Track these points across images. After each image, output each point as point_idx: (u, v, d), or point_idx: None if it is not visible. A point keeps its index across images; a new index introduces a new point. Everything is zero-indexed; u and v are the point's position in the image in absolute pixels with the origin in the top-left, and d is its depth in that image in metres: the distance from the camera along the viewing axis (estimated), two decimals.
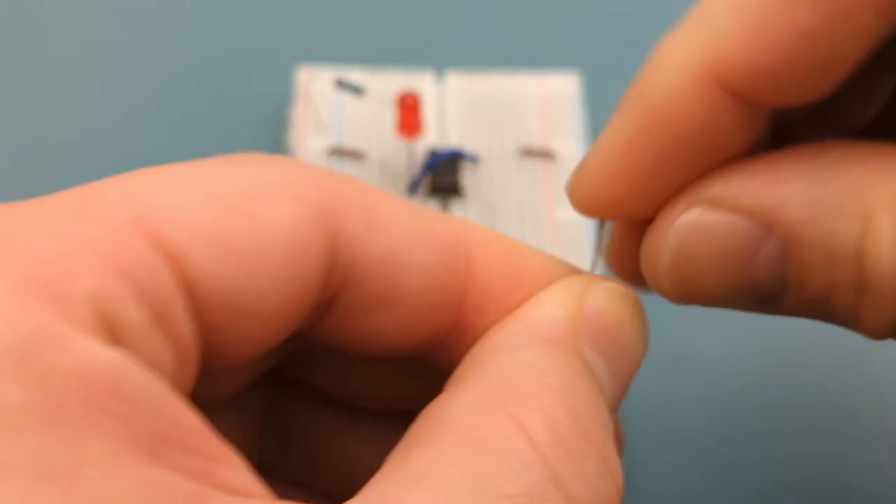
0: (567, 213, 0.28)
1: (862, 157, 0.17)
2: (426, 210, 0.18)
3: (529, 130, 0.29)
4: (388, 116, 0.29)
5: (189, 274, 0.15)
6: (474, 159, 0.29)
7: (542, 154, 0.29)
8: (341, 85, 0.30)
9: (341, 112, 0.30)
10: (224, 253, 0.15)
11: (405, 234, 0.17)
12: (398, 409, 0.19)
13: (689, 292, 0.18)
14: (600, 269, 0.20)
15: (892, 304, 0.17)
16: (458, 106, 0.30)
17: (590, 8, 0.34)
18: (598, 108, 0.30)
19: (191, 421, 0.14)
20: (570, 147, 0.29)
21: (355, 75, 0.30)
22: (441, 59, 0.31)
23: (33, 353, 0.13)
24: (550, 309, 0.17)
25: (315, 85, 0.30)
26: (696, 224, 0.18)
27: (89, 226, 0.14)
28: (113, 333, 0.14)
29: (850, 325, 0.18)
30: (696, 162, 0.18)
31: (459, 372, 0.17)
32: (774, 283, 0.18)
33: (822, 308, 0.18)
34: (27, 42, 0.34)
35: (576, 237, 0.28)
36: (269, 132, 0.30)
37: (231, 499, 0.14)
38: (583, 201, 0.19)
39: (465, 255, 0.17)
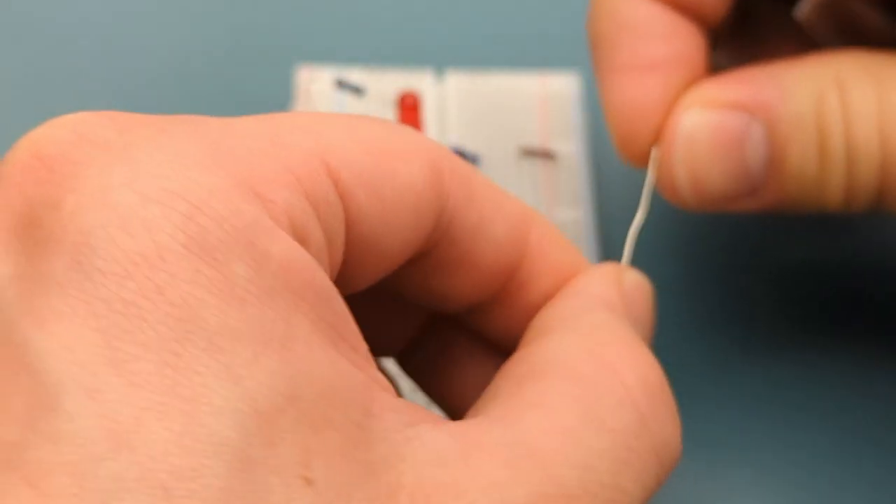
0: (567, 213, 0.28)
1: (810, 57, 0.22)
2: (502, 190, 0.20)
3: (529, 130, 0.29)
4: (389, 116, 0.29)
5: (350, 212, 0.17)
6: (474, 159, 0.29)
7: (542, 154, 0.29)
8: (341, 85, 0.30)
9: (341, 112, 0.30)
10: (374, 199, 0.17)
11: (490, 208, 0.19)
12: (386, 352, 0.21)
13: (700, 191, 0.23)
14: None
15: (844, 165, 0.22)
16: (458, 106, 0.30)
17: None
18: (597, 108, 0.30)
19: (352, 324, 0.16)
20: (570, 147, 0.29)
21: (355, 75, 0.30)
22: (441, 59, 0.31)
23: (254, 239, 0.15)
24: (603, 286, 0.20)
25: (315, 85, 0.30)
26: (696, 123, 0.22)
27: (284, 152, 0.16)
28: (300, 244, 0.16)
29: (818, 201, 0.22)
30: (665, 56, 0.22)
31: (539, 329, 0.19)
32: (762, 167, 0.22)
33: (798, 185, 0.22)
34: (26, 42, 0.34)
35: (576, 237, 0.28)
36: None
37: (387, 395, 0.16)
38: (622, 136, 0.23)
39: (526, 235, 0.20)
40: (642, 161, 0.23)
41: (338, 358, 0.15)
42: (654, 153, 0.23)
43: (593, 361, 0.18)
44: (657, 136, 0.23)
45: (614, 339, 0.18)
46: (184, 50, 0.33)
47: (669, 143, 0.23)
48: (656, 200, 0.29)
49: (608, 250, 0.28)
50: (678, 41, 0.23)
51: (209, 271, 0.14)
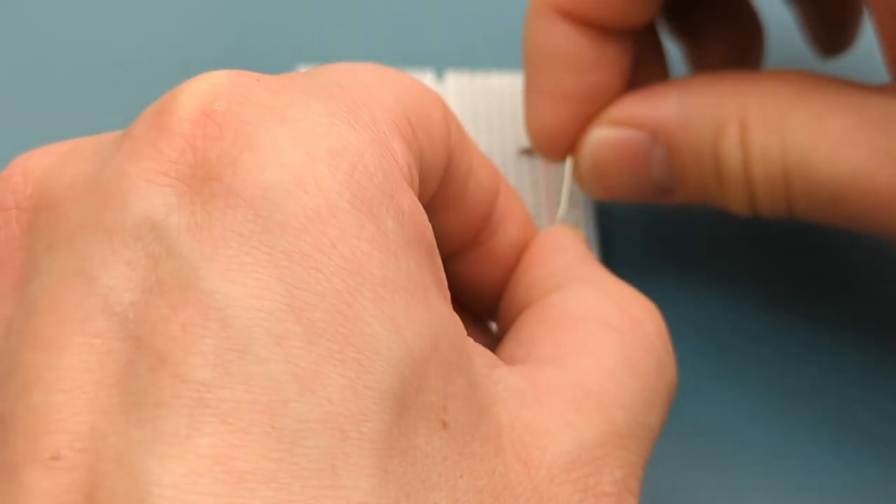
0: (567, 214, 0.28)
1: (722, 81, 0.24)
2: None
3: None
4: None
5: (420, 156, 0.18)
6: None
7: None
8: None
9: None
10: (428, 142, 0.19)
11: (477, 157, 0.21)
12: None
13: (608, 190, 0.25)
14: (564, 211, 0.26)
15: (744, 191, 0.23)
16: (458, 106, 0.30)
17: None
18: None
19: (443, 272, 0.18)
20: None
21: None
22: (441, 59, 0.31)
23: (393, 194, 0.16)
24: (578, 243, 0.22)
25: None
26: (602, 138, 0.24)
27: (384, 106, 0.18)
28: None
29: (722, 207, 0.24)
30: (585, 89, 0.24)
31: (549, 283, 0.21)
32: (666, 179, 0.24)
33: (701, 196, 0.24)
34: (25, 43, 0.34)
35: None
36: None
37: (470, 340, 0.17)
38: (540, 145, 0.25)
39: (498, 184, 0.22)
40: (560, 160, 0.26)
41: (452, 313, 0.17)
42: (568, 161, 0.26)
43: (620, 313, 0.19)
44: (570, 149, 0.25)
45: (627, 294, 0.20)
46: (183, 50, 0.33)
47: (579, 155, 0.25)
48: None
49: (608, 250, 0.28)
50: (597, 73, 0.24)
51: (370, 226, 0.16)
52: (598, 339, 0.19)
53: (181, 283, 0.15)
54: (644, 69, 0.26)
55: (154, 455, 0.14)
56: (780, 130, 0.23)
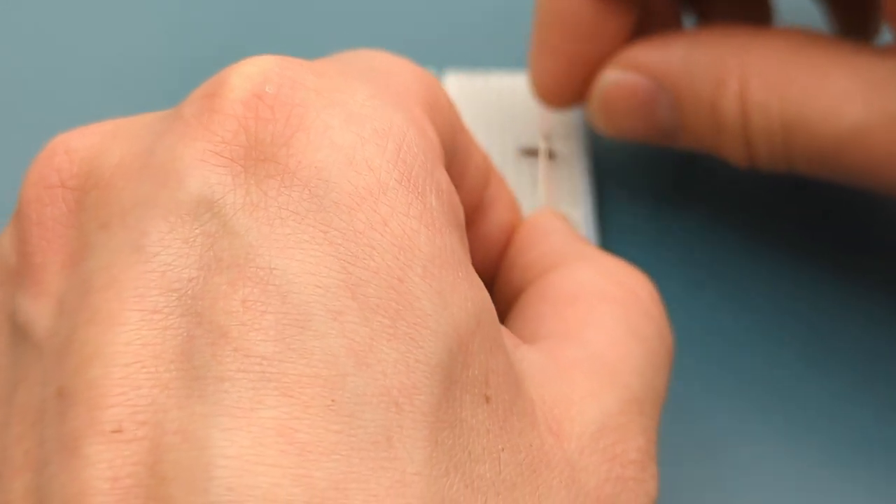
0: (567, 213, 0.28)
1: (727, 36, 0.25)
2: None
3: (529, 130, 0.29)
4: None
5: (440, 139, 0.19)
6: None
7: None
8: None
9: None
10: (438, 124, 0.19)
11: (471, 139, 0.21)
12: None
13: (616, 129, 0.26)
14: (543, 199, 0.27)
15: (742, 143, 0.24)
16: (458, 106, 0.30)
17: None
18: None
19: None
20: (570, 147, 0.29)
21: None
22: (441, 59, 0.31)
23: (433, 172, 0.17)
24: (566, 225, 0.23)
25: None
26: (612, 81, 0.26)
27: (409, 90, 0.18)
28: None
29: (724, 157, 0.25)
30: (592, 45, 0.26)
31: (546, 262, 0.21)
32: (670, 124, 0.25)
33: (702, 144, 0.25)
34: (23, 44, 0.34)
35: None
36: None
37: (503, 327, 0.18)
38: (542, 96, 0.27)
39: (490, 167, 0.22)
40: (561, 108, 0.28)
41: (481, 282, 0.17)
42: (541, 156, 0.28)
43: (617, 285, 0.20)
44: (570, 101, 0.27)
45: (619, 266, 0.21)
46: (183, 50, 0.33)
47: (591, 94, 0.26)
48: (658, 200, 0.30)
49: (608, 250, 0.28)
50: (600, 37, 0.26)
51: (417, 203, 0.16)
52: (602, 311, 0.19)
53: (239, 260, 0.15)
54: (658, 17, 0.28)
55: (218, 427, 0.14)
56: (780, 87, 0.24)
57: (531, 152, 0.29)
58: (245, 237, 0.15)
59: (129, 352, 0.15)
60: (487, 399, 0.16)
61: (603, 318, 0.19)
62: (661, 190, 0.30)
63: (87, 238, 0.16)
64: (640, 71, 0.26)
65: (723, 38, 0.25)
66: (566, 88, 0.27)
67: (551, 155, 0.29)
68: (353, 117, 0.16)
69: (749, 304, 0.27)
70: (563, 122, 0.29)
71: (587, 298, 0.20)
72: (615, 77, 0.26)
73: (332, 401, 0.14)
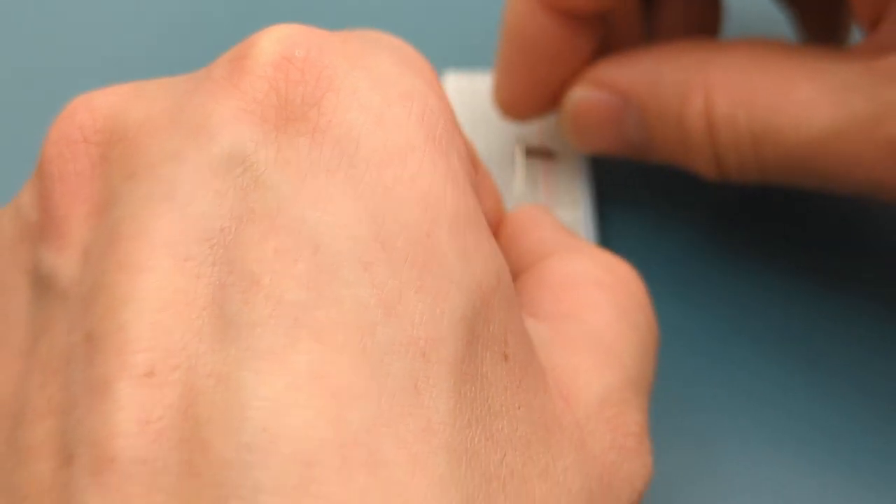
0: (567, 214, 0.28)
1: (691, 51, 0.25)
2: None
3: (529, 130, 0.29)
4: None
5: None
6: None
7: (542, 154, 0.29)
8: None
9: None
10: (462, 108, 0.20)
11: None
12: None
13: (588, 145, 0.27)
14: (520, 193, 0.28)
15: (710, 156, 0.25)
16: (458, 106, 0.30)
17: None
18: None
19: None
20: (570, 147, 0.29)
21: None
22: (441, 59, 0.31)
23: (454, 132, 0.17)
24: (553, 218, 0.23)
25: None
26: (580, 98, 0.26)
27: (425, 70, 0.19)
28: None
29: (694, 171, 0.26)
30: (556, 65, 0.26)
31: (540, 250, 0.22)
32: (641, 139, 0.26)
33: (673, 158, 0.26)
34: (23, 46, 0.34)
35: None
36: None
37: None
38: (503, 110, 0.27)
39: (476, 158, 0.22)
40: (522, 121, 0.28)
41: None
42: (518, 154, 0.29)
43: (609, 273, 0.21)
44: (532, 115, 0.28)
45: (610, 257, 0.21)
46: (183, 51, 0.33)
47: (562, 111, 0.27)
48: (657, 200, 0.30)
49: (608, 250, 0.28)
50: (567, 56, 0.26)
51: (442, 163, 0.16)
52: (596, 297, 0.20)
53: (271, 212, 0.15)
54: (624, 32, 0.28)
55: (251, 370, 0.14)
56: (745, 99, 0.24)
57: (531, 152, 0.29)
58: (277, 191, 0.15)
59: (161, 297, 0.15)
60: (506, 357, 0.16)
61: (599, 302, 0.20)
62: (660, 190, 0.30)
63: (112, 189, 0.16)
64: (606, 88, 0.26)
65: (687, 53, 0.25)
66: (529, 104, 0.27)
67: (551, 155, 0.29)
68: (379, 81, 0.17)
69: (749, 303, 0.27)
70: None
71: (583, 285, 0.20)
72: (582, 95, 0.26)
73: (363, 347, 0.14)
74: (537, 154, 0.29)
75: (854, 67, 0.23)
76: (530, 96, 0.27)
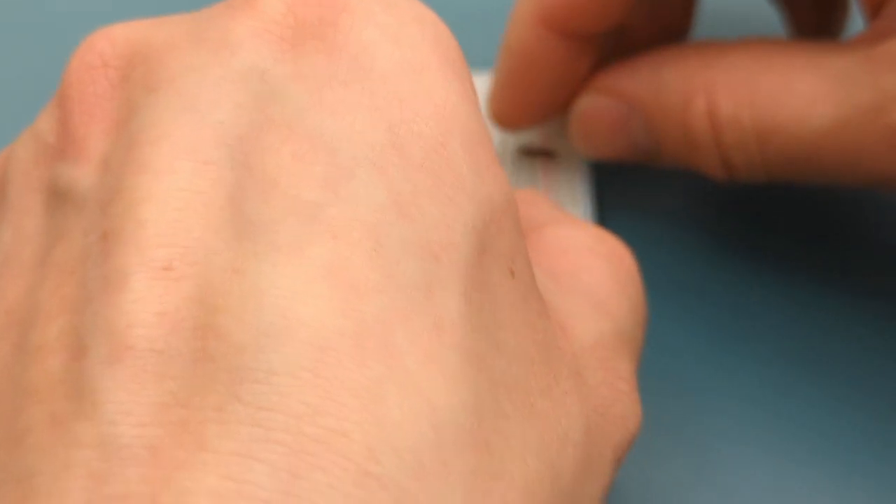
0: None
1: (692, 54, 0.25)
2: None
3: (529, 130, 0.29)
4: None
5: None
6: None
7: (542, 154, 0.29)
8: None
9: None
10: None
11: None
12: None
13: (596, 151, 0.27)
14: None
15: (716, 156, 0.25)
16: None
17: None
18: None
19: None
20: (570, 147, 0.29)
21: None
22: None
23: (464, 62, 0.18)
24: (540, 195, 0.24)
25: None
26: (587, 104, 0.27)
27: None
28: None
29: (703, 172, 0.26)
30: (556, 83, 0.26)
31: (534, 221, 0.22)
32: (648, 143, 0.26)
33: (681, 161, 0.26)
34: (23, 47, 0.34)
35: None
36: None
37: None
38: (498, 121, 0.28)
39: None
40: (516, 130, 0.28)
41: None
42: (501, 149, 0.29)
43: (603, 244, 0.21)
44: (524, 126, 0.28)
45: (603, 232, 0.22)
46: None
47: (571, 119, 0.27)
48: (658, 199, 0.30)
49: None
50: (568, 74, 0.26)
51: (457, 83, 0.17)
52: (590, 262, 0.20)
53: (290, 121, 0.16)
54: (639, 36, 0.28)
55: (269, 263, 0.14)
56: (748, 97, 0.24)
57: (531, 152, 0.29)
58: (295, 102, 0.16)
59: (180, 197, 0.15)
60: (513, 273, 0.16)
61: (591, 266, 0.20)
62: (660, 190, 0.30)
63: (134, 102, 0.16)
64: (611, 95, 0.26)
65: (688, 56, 0.26)
66: (524, 117, 0.27)
67: (551, 155, 0.29)
68: (392, 6, 0.17)
69: (749, 303, 0.28)
70: (563, 122, 0.29)
71: (577, 250, 0.21)
72: (588, 102, 0.27)
73: (378, 244, 0.15)
74: (537, 154, 0.29)
75: (854, 57, 0.23)
76: (526, 110, 0.27)
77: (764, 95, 0.24)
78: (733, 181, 0.26)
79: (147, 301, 0.14)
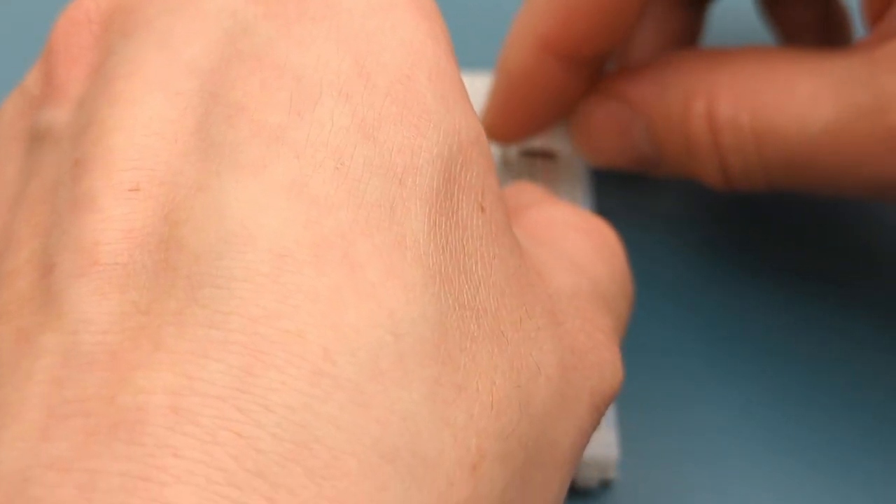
0: None
1: (694, 59, 0.25)
2: None
3: None
4: None
5: None
6: None
7: (542, 154, 0.29)
8: None
9: None
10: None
11: None
12: None
13: (599, 155, 0.27)
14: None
15: (713, 160, 0.25)
16: None
17: None
18: None
19: None
20: (570, 147, 0.29)
21: None
22: None
23: (438, 12, 0.18)
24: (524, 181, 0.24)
25: None
26: (590, 105, 0.27)
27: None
28: None
29: (701, 180, 0.26)
30: (553, 103, 0.27)
31: (520, 203, 0.22)
32: (649, 150, 0.26)
33: (680, 167, 0.26)
34: (23, 48, 0.34)
35: None
36: None
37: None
38: (494, 137, 0.27)
39: None
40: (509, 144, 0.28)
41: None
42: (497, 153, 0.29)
43: (588, 222, 0.21)
44: (520, 140, 0.28)
45: (589, 213, 0.22)
46: None
47: (575, 123, 0.27)
48: (658, 200, 0.30)
49: None
50: (564, 95, 0.26)
51: (425, 24, 0.17)
52: (573, 236, 0.21)
53: (258, 53, 0.16)
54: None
55: (232, 179, 0.15)
56: (748, 100, 0.24)
57: (531, 152, 0.29)
58: (265, 36, 0.16)
59: (150, 125, 0.15)
60: (483, 209, 0.17)
61: (576, 240, 0.21)
62: (660, 191, 0.30)
63: (111, 47, 0.17)
64: (614, 98, 0.26)
65: (690, 61, 0.26)
66: (518, 134, 0.28)
67: (551, 156, 0.29)
68: None
69: (746, 304, 0.28)
70: (563, 123, 0.29)
71: (561, 226, 0.21)
72: (591, 106, 0.27)
73: (341, 163, 0.15)
74: (537, 154, 0.29)
75: (855, 59, 0.23)
76: (523, 127, 0.27)
77: (764, 98, 0.24)
78: (732, 189, 0.25)
79: (114, 219, 0.15)
